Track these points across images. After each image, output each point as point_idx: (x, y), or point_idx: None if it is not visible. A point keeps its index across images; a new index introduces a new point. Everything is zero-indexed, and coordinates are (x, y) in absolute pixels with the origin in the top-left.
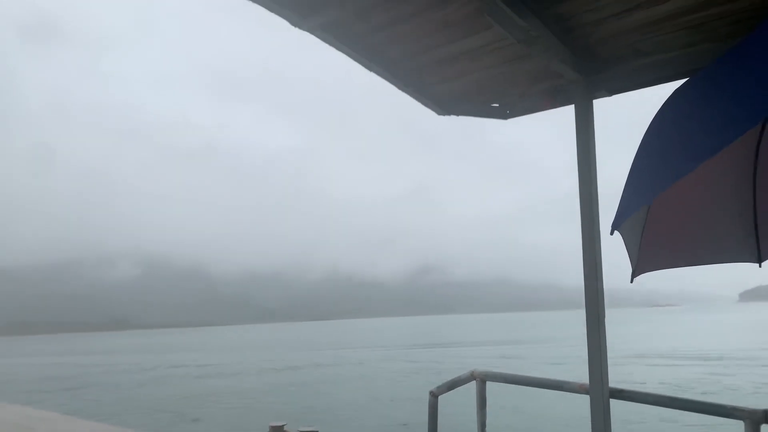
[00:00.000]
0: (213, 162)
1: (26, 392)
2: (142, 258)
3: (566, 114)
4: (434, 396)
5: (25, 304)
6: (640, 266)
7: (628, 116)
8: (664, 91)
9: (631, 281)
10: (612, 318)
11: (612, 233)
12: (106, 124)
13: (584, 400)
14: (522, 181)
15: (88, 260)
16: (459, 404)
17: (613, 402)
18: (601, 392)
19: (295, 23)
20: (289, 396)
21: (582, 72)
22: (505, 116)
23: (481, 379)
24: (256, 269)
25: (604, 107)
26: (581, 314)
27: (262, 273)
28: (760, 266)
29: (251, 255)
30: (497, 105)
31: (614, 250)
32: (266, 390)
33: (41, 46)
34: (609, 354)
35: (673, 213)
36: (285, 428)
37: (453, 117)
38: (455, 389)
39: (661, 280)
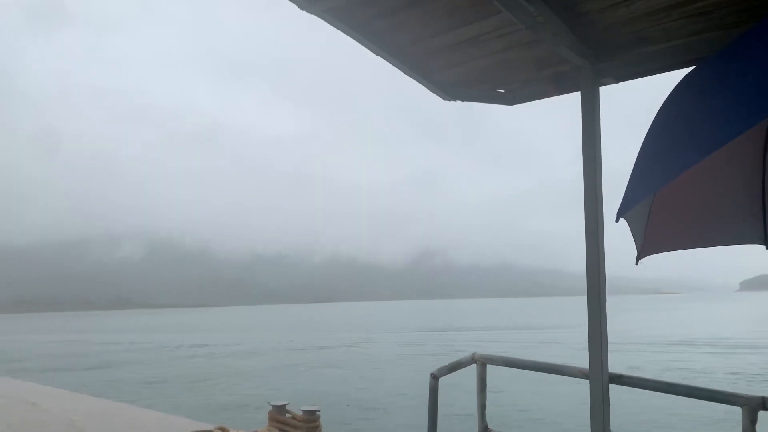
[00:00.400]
0: (218, 145)
1: (56, 370)
2: (147, 239)
3: (572, 101)
4: (435, 378)
5: (31, 282)
6: (645, 249)
7: (634, 104)
8: (671, 78)
9: (636, 263)
10: (634, 305)
11: (617, 221)
12: (111, 107)
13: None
14: (527, 167)
15: (94, 240)
16: (460, 387)
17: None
18: (600, 377)
19: (302, 6)
20: (302, 376)
21: (588, 59)
22: (510, 102)
23: (482, 363)
24: (260, 251)
25: (610, 94)
26: (585, 300)
27: (267, 255)
28: (767, 248)
29: (256, 237)
30: (503, 91)
31: (617, 237)
32: (283, 371)
33: (46, 27)
34: (651, 339)
35: (680, 195)
36: (287, 408)
37: (459, 102)
38: (456, 372)
39: (663, 267)
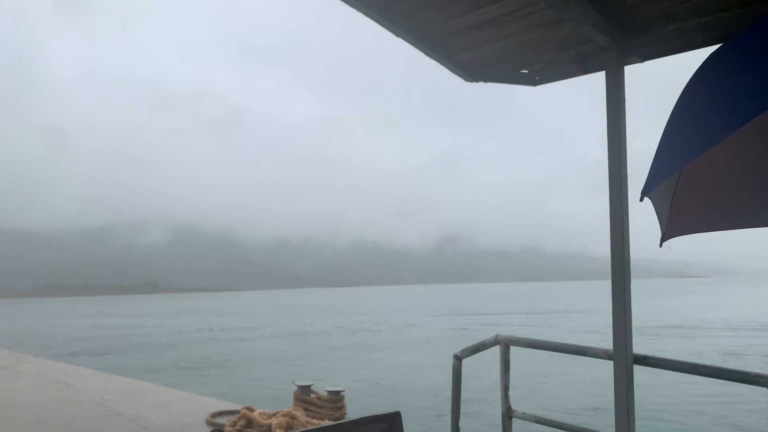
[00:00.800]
0: (240, 130)
1: (95, 353)
2: (172, 224)
3: (598, 80)
4: (458, 359)
5: (61, 267)
6: (670, 230)
7: (662, 83)
8: (700, 56)
9: (660, 245)
10: (675, 289)
11: (642, 199)
12: (135, 95)
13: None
14: (551, 149)
15: (121, 226)
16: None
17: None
18: (624, 358)
19: None
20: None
21: (614, 37)
22: (534, 83)
23: (505, 344)
24: (284, 236)
25: (636, 74)
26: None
27: (290, 239)
28: None
29: (279, 222)
30: (526, 71)
31: (641, 219)
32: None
33: (72, 16)
34: (730, 323)
35: (706, 176)
36: (312, 388)
37: (481, 84)
38: (479, 353)
39: (687, 251)
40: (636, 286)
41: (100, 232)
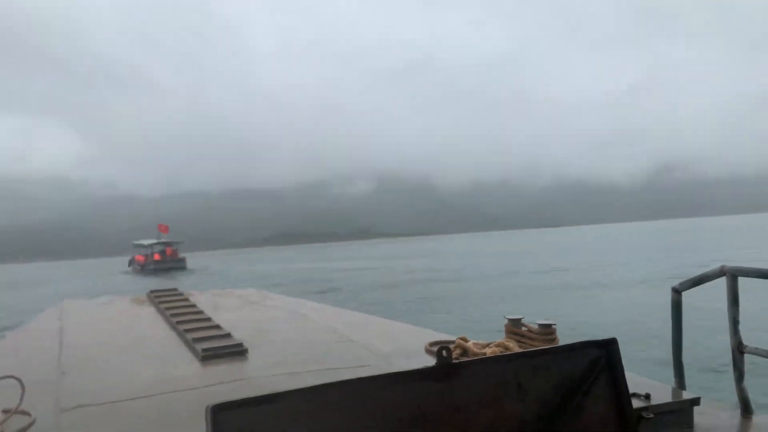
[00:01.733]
0: (431, 74)
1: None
2: (375, 174)
3: None
4: (677, 292)
5: (288, 219)
6: None
7: None
8: None
9: None
10: None
11: None
12: (329, 55)
13: None
14: None
15: (332, 179)
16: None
17: None
18: None
19: None
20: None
21: None
22: None
23: (732, 275)
24: (481, 178)
25: None
26: None
27: (488, 181)
28: None
29: (476, 164)
30: None
31: None
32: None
33: None
34: None
35: None
36: (522, 321)
37: None
38: (701, 286)
39: None
40: None
41: (315, 185)
